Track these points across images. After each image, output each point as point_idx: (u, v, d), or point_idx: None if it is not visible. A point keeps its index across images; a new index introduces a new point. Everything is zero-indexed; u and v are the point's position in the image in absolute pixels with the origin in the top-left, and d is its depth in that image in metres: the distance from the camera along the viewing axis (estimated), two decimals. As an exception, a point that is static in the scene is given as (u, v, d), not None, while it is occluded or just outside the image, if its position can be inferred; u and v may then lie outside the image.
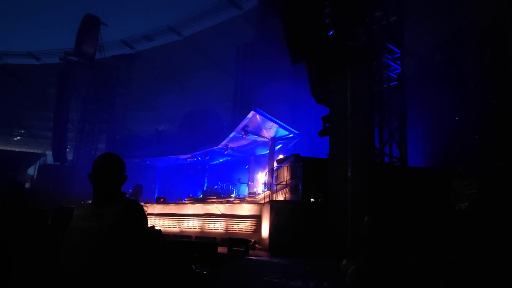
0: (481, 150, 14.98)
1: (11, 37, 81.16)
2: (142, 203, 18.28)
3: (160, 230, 12.14)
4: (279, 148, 23.21)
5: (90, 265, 1.99)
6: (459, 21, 16.89)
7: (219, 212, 16.41)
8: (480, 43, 15.68)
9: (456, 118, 16.60)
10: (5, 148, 42.90)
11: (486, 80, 15.14)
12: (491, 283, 5.83)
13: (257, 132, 21.44)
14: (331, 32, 13.13)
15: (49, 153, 36.74)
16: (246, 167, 25.82)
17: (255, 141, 22.88)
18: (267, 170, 20.20)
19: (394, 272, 2.73)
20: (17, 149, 42.64)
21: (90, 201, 2.39)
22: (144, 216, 2.22)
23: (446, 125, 16.73)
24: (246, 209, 15.75)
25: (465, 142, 15.81)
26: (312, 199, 13.21)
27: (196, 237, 16.23)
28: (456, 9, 16.80)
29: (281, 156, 19.70)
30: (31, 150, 43.05)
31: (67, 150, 34.41)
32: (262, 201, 15.85)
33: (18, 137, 46.02)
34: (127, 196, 2.39)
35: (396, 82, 13.74)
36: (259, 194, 19.58)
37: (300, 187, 13.79)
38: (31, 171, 38.44)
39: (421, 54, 18.56)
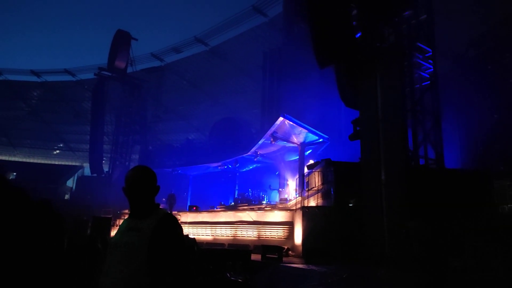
0: (524, 149, 14.20)
1: (47, 55, 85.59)
2: (175, 212, 18.65)
3: (194, 238, 12.28)
4: (309, 153, 22.98)
5: (132, 280, 2.04)
6: (493, 13, 16.18)
7: (251, 219, 16.42)
8: (518, 37, 14.95)
9: (495, 116, 15.84)
10: (45, 161, 45.09)
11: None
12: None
13: (286, 137, 21.34)
14: (359, 34, 12.93)
15: (86, 165, 38.27)
16: (276, 173, 25.73)
17: (284, 147, 22.78)
18: (297, 176, 20.04)
19: (443, 280, 2.59)
20: (56, 162, 44.70)
21: (126, 216, 2.45)
22: (179, 228, 2.25)
23: (484, 124, 15.99)
24: (278, 215, 15.66)
25: (505, 141, 15.03)
26: (346, 204, 12.96)
27: (229, 244, 16.29)
28: (490, 1, 16.12)
29: (311, 162, 19.48)
30: (70, 163, 45.02)
31: (103, 161, 35.68)
32: (294, 208, 15.71)
33: (57, 151, 48.22)
34: (161, 205, 2.43)
35: (429, 82, 13.31)
36: (290, 200, 19.43)
37: (332, 192, 13.57)
38: (70, 183, 40.20)
39: (455, 51, 17.90)
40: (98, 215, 20.51)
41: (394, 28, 12.83)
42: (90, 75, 37.61)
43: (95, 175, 33.79)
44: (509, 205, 12.34)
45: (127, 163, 33.72)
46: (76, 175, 39.86)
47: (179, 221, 2.35)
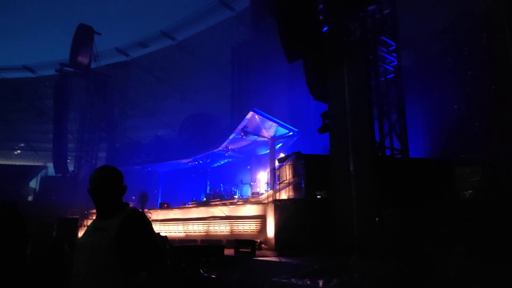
0: (482, 137, 14.94)
1: (5, 51, 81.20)
2: (146, 210, 18.33)
3: (165, 236, 12.11)
4: (279, 147, 23.19)
5: (100, 280, 2.00)
6: (453, 9, 16.84)
7: (223, 214, 16.39)
8: (475, 30, 15.64)
9: (456, 106, 16.56)
10: (6, 162, 42.93)
11: (483, 67, 15.11)
12: (499, 273, 5.79)
13: (257, 132, 21.41)
14: (325, 28, 13.08)
15: (50, 165, 36.78)
16: (248, 167, 25.80)
17: (255, 141, 22.86)
18: (269, 170, 20.18)
19: (422, 268, 2.64)
20: (18, 163, 42.66)
21: (94, 215, 2.39)
22: (147, 223, 2.21)
23: (446, 114, 16.69)
24: (250, 209, 15.72)
25: (466, 130, 15.76)
26: (316, 196, 13.18)
27: (202, 240, 16.20)
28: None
29: (282, 155, 19.66)
30: (32, 163, 43.09)
31: (68, 161, 34.42)
32: (266, 201, 15.82)
33: (18, 151, 46.03)
34: (131, 204, 2.37)
35: (393, 75, 13.71)
36: (262, 194, 19.55)
37: (303, 184, 13.76)
38: (33, 184, 38.49)
39: (418, 45, 18.52)
40: (64, 216, 19.83)
41: (359, 23, 13.07)
42: (52, 72, 36.05)
43: (59, 175, 32.56)
44: (469, 191, 12.96)
45: (93, 161, 32.72)
46: (39, 176, 38.23)
47: (148, 217, 2.31)
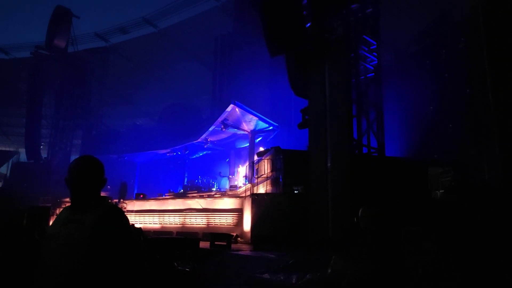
0: (455, 139, 15.42)
1: (-23, 30, 77.69)
2: (122, 200, 18.01)
3: (140, 228, 11.96)
4: (259, 140, 23.23)
5: (72, 274, 1.95)
6: (434, 12, 17.20)
7: (200, 207, 16.33)
8: (453, 34, 16.03)
9: (431, 108, 16.99)
10: (-25, 146, 41.35)
11: (459, 70, 15.53)
12: (466, 269, 6.03)
13: (237, 125, 21.36)
14: (309, 24, 13.11)
15: (22, 150, 35.59)
16: (227, 160, 25.75)
17: (235, 134, 22.81)
18: (247, 163, 20.20)
19: (400, 268, 2.67)
20: (-13, 148, 41.16)
21: (67, 206, 2.31)
22: (124, 220, 2.16)
23: (422, 115, 17.12)
24: (227, 203, 15.72)
25: (440, 131, 16.22)
26: (293, 191, 13.30)
27: (178, 232, 16.11)
28: (432, 1, 17.10)
29: (261, 149, 19.71)
30: (3, 148, 41.60)
31: (41, 147, 33.39)
32: (243, 195, 15.86)
33: (-11, 135, 44.36)
34: (106, 194, 2.33)
35: (373, 74, 13.90)
36: (240, 187, 19.58)
37: (281, 179, 13.85)
38: (4, 169, 37.22)
39: (398, 46, 18.85)
40: (36, 204, 19.29)
41: (342, 20, 13.16)
42: (26, 54, 34.70)
43: (32, 161, 31.54)
44: (440, 191, 13.39)
45: (68, 148, 31.87)
46: (10, 161, 36.95)
47: (125, 212, 2.27)
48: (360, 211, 3.08)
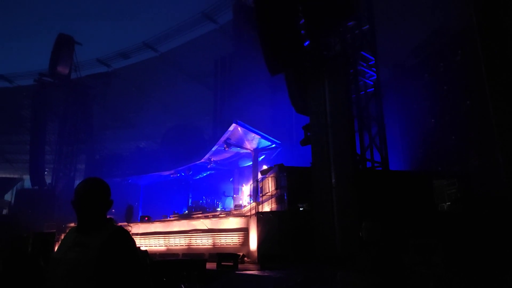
0: (458, 150, 15.40)
1: (-19, 60, 79.14)
2: (125, 223, 17.94)
3: (146, 250, 11.88)
4: (262, 158, 23.24)
5: None
6: (430, 26, 17.47)
7: (205, 227, 16.22)
8: (450, 47, 16.24)
9: (432, 120, 17.05)
10: (-20, 175, 41.49)
11: (458, 82, 15.65)
12: (476, 282, 5.94)
13: (240, 144, 21.44)
14: (307, 42, 13.35)
15: (27, 177, 35.70)
16: (231, 179, 25.70)
17: (238, 153, 22.85)
18: (251, 182, 20.17)
19: (404, 281, 2.67)
20: (-8, 175, 41.28)
21: (72, 228, 2.31)
22: (131, 242, 2.15)
23: (423, 128, 17.15)
24: (233, 222, 15.63)
25: (442, 143, 16.22)
26: (298, 208, 13.23)
27: (184, 254, 15.95)
28: (427, 14, 17.39)
29: (265, 167, 19.72)
30: (7, 175, 41.72)
31: (45, 173, 33.49)
32: (249, 214, 15.77)
33: (-7, 163, 44.53)
34: (113, 218, 2.33)
35: (373, 89, 14.02)
36: (245, 206, 19.48)
37: (285, 197, 13.81)
38: (8, 196, 37.22)
39: (396, 60, 19.07)
40: (41, 230, 19.20)
41: (339, 37, 13.41)
42: (30, 82, 35.31)
43: (36, 187, 31.58)
44: (447, 203, 13.29)
45: (72, 173, 31.93)
46: (15, 188, 37.00)
47: (130, 234, 2.26)
48: (362, 224, 3.10)
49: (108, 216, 2.26)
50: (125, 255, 2.06)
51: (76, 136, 32.85)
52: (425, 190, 12.04)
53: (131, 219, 20.60)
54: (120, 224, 19.40)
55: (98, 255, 1.98)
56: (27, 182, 35.77)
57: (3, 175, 41.57)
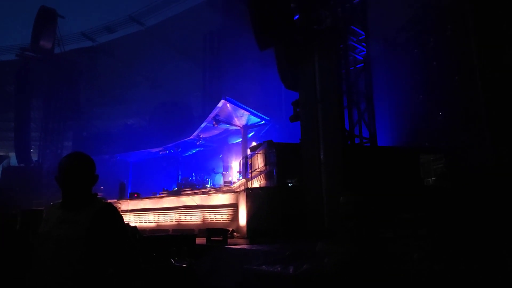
0: (446, 126, 15.56)
1: (-40, 34, 76.10)
2: (115, 200, 17.92)
3: (135, 226, 11.92)
4: (251, 135, 23.21)
5: (71, 273, 1.92)
6: (421, 1, 17.25)
7: (195, 204, 16.30)
8: (440, 22, 16.11)
9: (421, 96, 17.11)
10: (-36, 152, 40.67)
11: (447, 58, 15.63)
12: (459, 253, 6.10)
13: (229, 120, 21.31)
14: (297, 16, 13.08)
15: (12, 154, 35.15)
16: (220, 156, 25.70)
17: (227, 130, 22.76)
18: (241, 158, 20.19)
19: (380, 251, 2.74)
20: (-23, 153, 40.49)
21: (55, 203, 2.26)
22: (119, 218, 2.14)
23: (412, 103, 17.23)
24: (222, 198, 15.72)
25: (430, 119, 16.35)
26: (287, 184, 13.33)
27: (174, 230, 16.08)
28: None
29: (254, 144, 19.69)
30: (-7, 153, 41.02)
31: (32, 150, 33.02)
32: (238, 190, 15.85)
33: (-23, 140, 43.65)
34: (99, 195, 2.30)
35: (363, 64, 13.94)
36: (234, 182, 19.58)
37: (274, 173, 13.87)
38: (-6, 174, 36.77)
39: (386, 35, 18.90)
40: (29, 208, 19.09)
41: (330, 11, 13.17)
42: (12, 57, 34.24)
43: (23, 165, 31.21)
44: (432, 178, 13.53)
45: (59, 151, 31.55)
46: (1, 166, 36.48)
47: (119, 210, 2.25)
48: (340, 199, 3.15)
49: (94, 192, 2.23)
50: (114, 230, 2.05)
51: (62, 113, 32.27)
52: (412, 166, 12.23)
53: (123, 196, 20.65)
54: (109, 201, 19.41)
55: (87, 232, 1.96)
56: (13, 160, 35.25)
57: (-11, 153, 40.85)
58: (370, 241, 2.79)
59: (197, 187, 21.40)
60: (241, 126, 21.97)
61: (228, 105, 19.49)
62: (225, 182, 21.05)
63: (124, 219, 2.22)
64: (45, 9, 32.23)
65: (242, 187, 15.27)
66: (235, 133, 22.99)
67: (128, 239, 2.10)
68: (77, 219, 2.01)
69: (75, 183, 2.08)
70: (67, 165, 2.12)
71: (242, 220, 13.64)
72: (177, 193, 20.10)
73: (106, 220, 2.04)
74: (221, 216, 15.15)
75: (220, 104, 19.43)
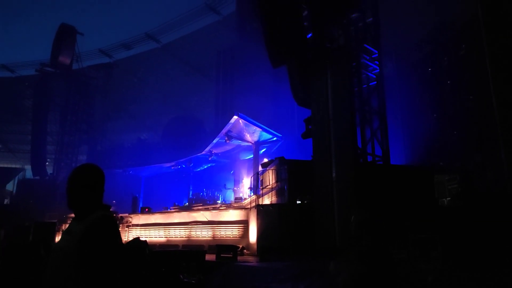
0: (460, 146, 15.33)
1: (-17, 50, 78.95)
2: (127, 214, 17.95)
3: (145, 241, 11.90)
4: (263, 151, 23.21)
5: (64, 285, 1.91)
6: (434, 20, 17.30)
7: (205, 219, 16.26)
8: (454, 41, 16.09)
9: (435, 115, 16.95)
10: (-18, 164, 41.60)
11: (461, 77, 15.53)
12: (474, 277, 5.92)
13: (241, 136, 21.40)
14: (310, 34, 13.23)
15: (28, 167, 35.80)
16: (231, 172, 25.71)
17: (239, 146, 22.82)
18: (252, 175, 20.16)
19: (390, 272, 2.69)
20: (-6, 165, 41.38)
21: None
22: (113, 230, 2.06)
23: (425, 122, 17.07)
24: (233, 214, 15.65)
25: (444, 138, 16.14)
26: (298, 201, 13.22)
27: (183, 245, 16.02)
28: (432, 8, 17.21)
29: (265, 160, 19.68)
30: (9, 165, 41.84)
31: (47, 163, 33.58)
32: (249, 206, 15.78)
33: (-5, 152, 44.67)
34: (111, 209, 2.27)
35: (375, 82, 13.93)
36: (245, 199, 19.50)
37: (286, 189, 13.79)
38: (10, 186, 37.40)
39: (399, 54, 18.92)
40: (42, 220, 19.33)
41: (343, 30, 13.29)
42: (31, 71, 35.26)
43: (38, 177, 31.71)
44: (447, 198, 13.26)
45: (73, 164, 31.99)
46: (16, 178, 37.15)
47: (117, 222, 2.21)
48: (351, 218, 3.13)
49: (106, 204, 2.20)
50: (104, 242, 1.98)
51: (77, 126, 32.91)
52: (426, 185, 12.01)
53: (136, 211, 20.82)
54: (121, 215, 19.51)
55: (78, 242, 1.93)
56: (28, 172, 35.89)
57: (5, 165, 41.69)
58: (383, 261, 2.74)
59: (208, 202, 21.36)
60: (253, 142, 22.02)
61: (240, 121, 19.61)
62: (236, 198, 20.99)
63: (119, 232, 2.12)
64: (65, 26, 33.33)
65: (253, 204, 15.20)
66: (247, 149, 23.03)
67: (119, 250, 2.01)
68: (74, 230, 2.02)
69: (74, 194, 2.09)
70: (70, 175, 2.14)
71: (252, 237, 13.52)
72: (188, 209, 20.10)
73: (97, 231, 1.98)
74: (231, 233, 15.06)
75: (232, 120, 19.56)
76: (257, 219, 13.02)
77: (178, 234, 16.99)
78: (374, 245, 2.81)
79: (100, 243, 1.96)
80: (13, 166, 41.55)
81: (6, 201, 33.68)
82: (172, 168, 27.13)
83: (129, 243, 6.33)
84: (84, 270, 1.90)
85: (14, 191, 35.20)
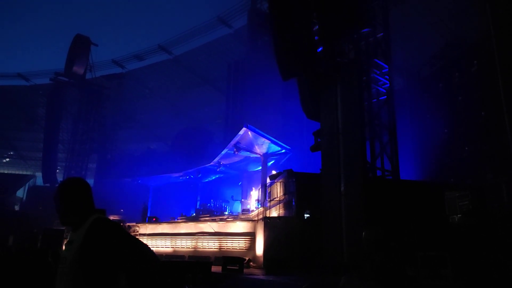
0: (471, 162, 15.12)
1: (0, 59, 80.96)
2: (134, 223, 17.96)
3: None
4: (271, 164, 23.17)
5: None
6: (446, 37, 17.31)
7: (212, 230, 16.20)
8: (466, 58, 16.03)
9: (446, 131, 16.80)
10: (-6, 170, 42.25)
11: (473, 93, 15.42)
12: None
13: (249, 148, 21.41)
14: (320, 48, 13.32)
15: (39, 174, 36.25)
16: (239, 184, 25.67)
17: (247, 158, 22.82)
18: (260, 187, 20.11)
19: None
20: (5, 171, 41.97)
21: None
22: (113, 229, 2.02)
23: (436, 138, 16.91)
24: (240, 226, 15.58)
25: (455, 154, 15.96)
26: (306, 215, 13.13)
27: (190, 256, 15.96)
28: (443, 25, 17.25)
29: (273, 172, 19.64)
30: (20, 172, 42.44)
31: (57, 171, 33.97)
32: (256, 218, 15.71)
33: (7, 159, 45.38)
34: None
35: (385, 97, 13.89)
36: (252, 211, 19.42)
37: (293, 202, 13.72)
38: (20, 193, 37.84)
39: (410, 69, 18.91)
40: (50, 227, 19.46)
41: (353, 44, 13.34)
42: (46, 80, 36.00)
43: (48, 185, 32.07)
44: (458, 215, 13.02)
45: (83, 172, 32.36)
46: (27, 185, 37.60)
47: (115, 223, 2.17)
48: (363, 234, 3.08)
49: (99, 208, 2.19)
50: (108, 241, 1.97)
51: (88, 135, 33.34)
52: (436, 201, 11.84)
53: (145, 219, 20.91)
54: (128, 224, 19.55)
55: (80, 249, 1.95)
56: (39, 179, 36.34)
57: (16, 172, 42.28)
58: (397, 278, 2.70)
59: (215, 213, 21.31)
60: (261, 154, 22.01)
61: (249, 133, 19.66)
62: (243, 210, 20.91)
63: (119, 226, 2.08)
64: (80, 37, 34.11)
65: (260, 216, 15.12)
66: (255, 160, 23.02)
67: (127, 245, 1.99)
68: (74, 239, 2.04)
69: (59, 212, 2.15)
70: (53, 196, 2.20)
71: (259, 249, 13.42)
72: (195, 219, 20.06)
73: (94, 235, 1.97)
74: (238, 244, 14.97)
75: (241, 132, 19.62)
76: (264, 231, 12.94)
77: (184, 245, 16.95)
78: (388, 262, 2.76)
79: (100, 244, 1.96)
80: (24, 172, 42.12)
81: (16, 208, 34.06)
82: (181, 178, 27.20)
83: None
84: (88, 277, 1.91)
85: (24, 198, 35.62)
